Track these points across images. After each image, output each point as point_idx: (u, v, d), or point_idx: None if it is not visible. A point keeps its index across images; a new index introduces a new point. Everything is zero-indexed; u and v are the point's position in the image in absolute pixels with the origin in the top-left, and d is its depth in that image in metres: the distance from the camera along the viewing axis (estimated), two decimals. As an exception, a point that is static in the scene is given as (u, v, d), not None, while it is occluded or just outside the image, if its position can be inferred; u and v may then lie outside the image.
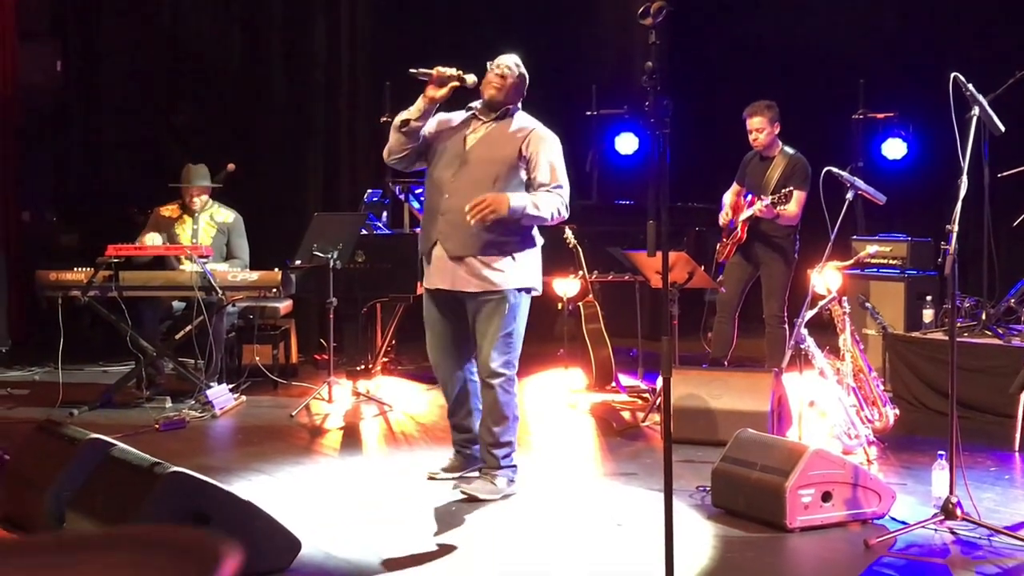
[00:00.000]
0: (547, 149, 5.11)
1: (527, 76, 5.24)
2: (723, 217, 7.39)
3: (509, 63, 5.17)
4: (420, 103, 5.10)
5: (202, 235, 7.66)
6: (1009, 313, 7.31)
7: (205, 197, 7.72)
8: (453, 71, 5.07)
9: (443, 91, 5.07)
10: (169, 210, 7.73)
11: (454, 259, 5.08)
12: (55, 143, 10.29)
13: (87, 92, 10.22)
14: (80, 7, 10.20)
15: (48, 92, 10.19)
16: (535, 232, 5.21)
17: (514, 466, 5.24)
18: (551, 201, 5.05)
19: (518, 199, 4.98)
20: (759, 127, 7.18)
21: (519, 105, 5.26)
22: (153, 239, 7.38)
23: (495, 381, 5.10)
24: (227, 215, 7.79)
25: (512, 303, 5.06)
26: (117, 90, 10.24)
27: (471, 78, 5.13)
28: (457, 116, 5.26)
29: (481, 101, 5.20)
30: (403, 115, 5.14)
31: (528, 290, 5.16)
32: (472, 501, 5.05)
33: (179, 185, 7.68)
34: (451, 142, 5.16)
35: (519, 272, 5.09)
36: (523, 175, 5.10)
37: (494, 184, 5.02)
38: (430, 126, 5.18)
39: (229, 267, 7.48)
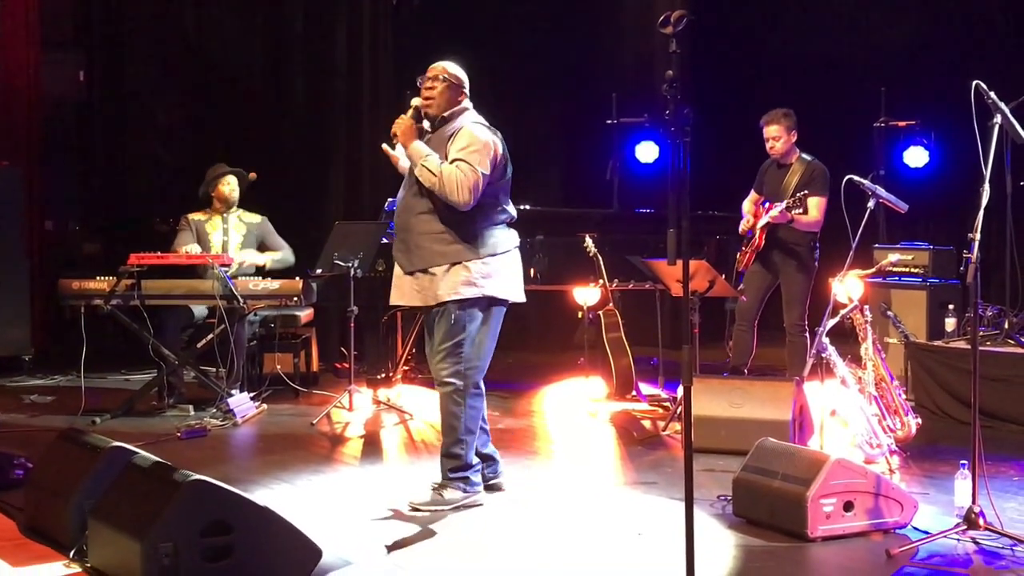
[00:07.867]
0: (463, 137, 4.97)
1: (461, 76, 5.13)
2: (744, 224, 7.38)
3: (435, 71, 5.11)
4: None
5: (233, 233, 7.71)
6: (1032, 322, 7.28)
7: (237, 193, 7.75)
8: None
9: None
10: (199, 214, 7.79)
11: (408, 274, 5.13)
12: (79, 152, 10.36)
13: (110, 101, 10.29)
14: (104, 17, 10.28)
15: (72, 101, 10.27)
16: (492, 239, 5.06)
17: (466, 478, 5.12)
18: (447, 168, 4.91)
19: (421, 146, 4.98)
20: (776, 135, 7.18)
21: (464, 107, 5.14)
22: (193, 248, 7.43)
23: (442, 390, 5.11)
24: (254, 217, 7.85)
25: (457, 313, 5.00)
26: (140, 99, 10.32)
27: (415, 101, 5.13)
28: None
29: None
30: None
31: (477, 300, 5.03)
32: (434, 512, 5.01)
33: (216, 174, 7.71)
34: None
35: (463, 283, 4.99)
36: None
37: (430, 194, 4.99)
38: None
39: (271, 259, 7.65)
